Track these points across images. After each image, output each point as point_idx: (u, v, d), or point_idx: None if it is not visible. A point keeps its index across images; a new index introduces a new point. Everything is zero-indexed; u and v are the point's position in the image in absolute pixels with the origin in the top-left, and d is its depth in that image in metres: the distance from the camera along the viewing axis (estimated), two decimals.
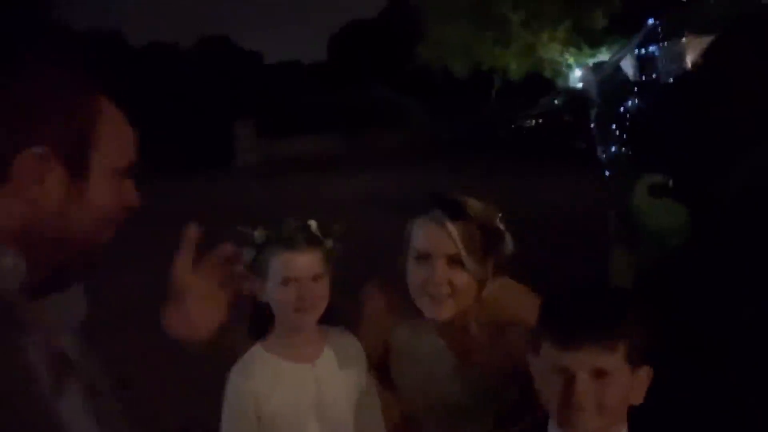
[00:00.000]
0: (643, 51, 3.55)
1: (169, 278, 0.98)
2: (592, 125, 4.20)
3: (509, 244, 1.28)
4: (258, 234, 1.36)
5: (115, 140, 0.74)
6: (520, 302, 1.29)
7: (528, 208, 5.78)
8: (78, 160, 0.72)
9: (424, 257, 1.25)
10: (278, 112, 19.54)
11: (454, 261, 1.23)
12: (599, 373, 0.97)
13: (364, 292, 1.43)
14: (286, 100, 20.76)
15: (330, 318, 1.41)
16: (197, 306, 0.98)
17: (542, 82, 16.34)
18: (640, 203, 3.77)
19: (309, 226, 1.37)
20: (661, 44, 3.45)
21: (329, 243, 1.37)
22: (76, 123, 0.71)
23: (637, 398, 1.02)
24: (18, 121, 0.67)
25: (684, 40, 3.36)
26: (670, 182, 3.65)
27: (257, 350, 1.39)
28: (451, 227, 1.22)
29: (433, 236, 1.25)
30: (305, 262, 1.33)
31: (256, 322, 1.39)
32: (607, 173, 4.01)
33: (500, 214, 1.29)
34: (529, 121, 13.58)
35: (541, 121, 13.22)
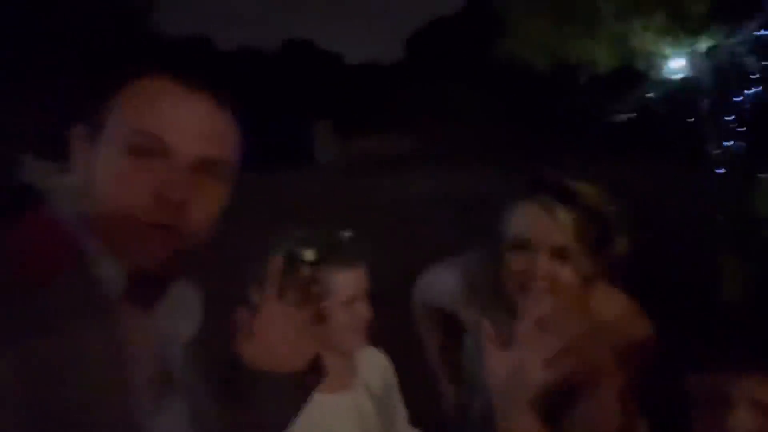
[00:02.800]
0: (764, 33, 3.10)
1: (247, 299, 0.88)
2: (703, 118, 3.78)
3: (623, 241, 1.09)
4: (308, 253, 1.23)
5: (139, 110, 0.71)
6: (641, 332, 1.10)
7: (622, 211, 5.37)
8: (94, 123, 0.71)
9: (525, 246, 1.09)
10: (357, 111, 19.81)
11: (560, 254, 1.07)
12: (763, 407, 0.83)
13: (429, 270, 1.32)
14: (365, 99, 21.01)
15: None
16: (288, 336, 0.83)
17: (634, 75, 15.36)
18: (761, 204, 3.34)
19: (350, 237, 1.25)
20: None
21: (368, 251, 1.26)
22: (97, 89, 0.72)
23: None
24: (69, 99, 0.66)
25: None
26: None
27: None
28: (561, 214, 1.05)
29: (539, 223, 1.08)
30: (362, 276, 1.23)
31: None
32: (719, 171, 3.59)
33: (615, 207, 1.08)
34: (620, 117, 12.81)
35: (633, 115, 12.43)
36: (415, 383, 1.43)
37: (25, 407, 0.59)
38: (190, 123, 0.70)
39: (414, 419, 1.42)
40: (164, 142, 0.69)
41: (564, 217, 1.06)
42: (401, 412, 1.40)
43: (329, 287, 1.22)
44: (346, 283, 1.23)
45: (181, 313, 0.74)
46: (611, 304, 1.15)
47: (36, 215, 0.69)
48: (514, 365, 0.96)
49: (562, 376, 0.98)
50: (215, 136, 0.73)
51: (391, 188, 10.31)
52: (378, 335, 1.35)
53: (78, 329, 0.64)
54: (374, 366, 1.38)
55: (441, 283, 1.35)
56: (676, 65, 15.19)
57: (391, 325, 1.43)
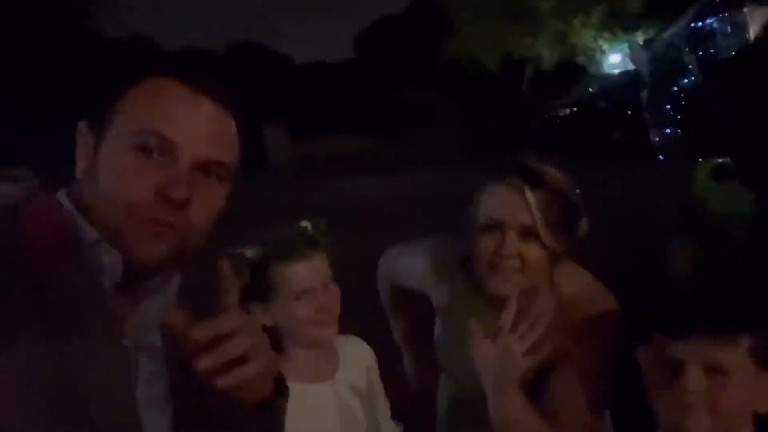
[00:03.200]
0: (699, 24, 3.30)
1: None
2: (644, 107, 3.97)
3: (585, 223, 1.16)
4: (252, 252, 1.21)
5: (143, 108, 0.73)
6: (603, 305, 1.16)
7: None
8: (99, 119, 0.73)
9: (495, 226, 1.13)
10: (310, 112, 19.65)
11: (528, 233, 1.11)
12: (715, 370, 0.85)
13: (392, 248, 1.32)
14: (318, 100, 20.87)
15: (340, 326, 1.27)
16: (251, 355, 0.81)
17: (576, 70, 15.91)
18: (702, 189, 3.53)
19: (306, 229, 1.23)
20: (719, 16, 3.20)
21: (329, 241, 1.24)
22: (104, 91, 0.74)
23: (765, 406, 0.89)
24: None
25: (746, 10, 3.11)
26: (731, 164, 3.41)
27: None
28: (530, 195, 1.10)
29: (508, 203, 1.12)
30: (315, 268, 1.19)
31: None
32: (660, 158, 3.78)
33: (578, 190, 1.14)
34: (563, 111, 13.23)
35: (575, 109, 12.86)
36: (395, 375, 1.42)
37: (36, 394, 0.61)
38: (196, 124, 0.73)
39: (395, 413, 1.40)
40: (171, 142, 0.70)
41: (532, 197, 1.11)
42: (383, 405, 1.36)
43: (280, 282, 1.20)
44: (298, 275, 1.21)
45: (160, 304, 0.75)
46: (575, 280, 1.20)
47: (39, 203, 0.72)
48: (501, 353, 1.04)
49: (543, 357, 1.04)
50: (219, 138, 0.75)
51: (347, 189, 10.30)
52: (361, 326, 1.35)
53: (80, 317, 0.66)
54: (356, 357, 1.34)
55: (410, 263, 1.35)
56: (615, 60, 15.93)
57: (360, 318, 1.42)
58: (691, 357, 0.86)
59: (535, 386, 1.11)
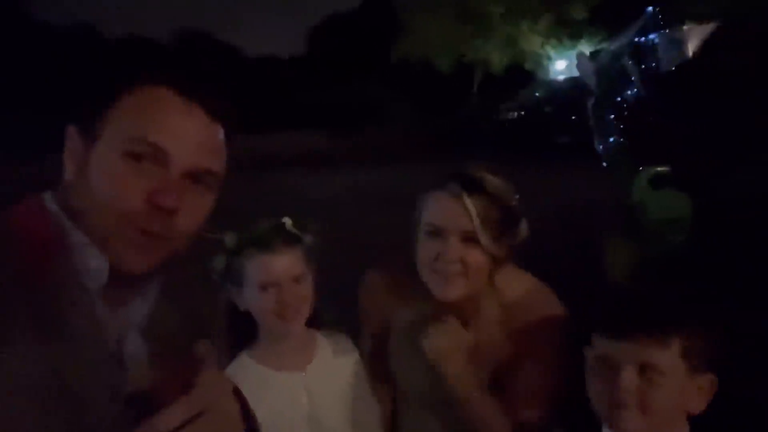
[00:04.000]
0: (642, 39, 3.48)
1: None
2: (590, 115, 4.13)
3: (524, 227, 1.20)
4: (229, 238, 1.24)
5: (135, 116, 0.73)
6: (548, 308, 1.21)
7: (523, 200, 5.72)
8: (90, 126, 0.72)
9: (437, 232, 1.17)
10: (260, 107, 19.29)
11: (469, 238, 1.15)
12: (647, 369, 0.89)
13: (366, 274, 1.34)
14: (268, 95, 20.51)
15: (319, 320, 1.32)
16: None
17: (525, 75, 16.35)
18: (642, 194, 3.71)
19: (284, 225, 1.26)
20: (661, 32, 3.37)
21: (308, 240, 1.27)
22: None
23: (696, 406, 0.93)
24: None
25: (685, 27, 3.30)
26: (669, 172, 3.61)
27: (242, 360, 1.28)
28: (469, 202, 1.14)
29: (449, 210, 1.16)
30: (284, 263, 1.22)
31: (238, 331, 1.29)
32: (604, 165, 3.95)
33: (517, 195, 1.19)
34: (510, 114, 13.58)
35: (522, 113, 13.23)
36: None
37: (24, 393, 0.61)
38: (188, 133, 0.73)
39: None
40: (162, 151, 0.70)
41: (471, 204, 1.15)
42: (371, 405, 1.35)
43: (250, 271, 1.22)
44: (266, 268, 1.23)
45: (137, 309, 0.76)
46: (518, 284, 1.25)
47: (25, 205, 0.72)
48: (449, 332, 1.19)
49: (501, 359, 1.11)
50: (209, 146, 0.75)
51: (297, 186, 10.19)
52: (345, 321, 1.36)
53: (66, 319, 0.66)
54: (335, 349, 1.35)
55: (373, 290, 1.38)
56: (561, 66, 16.47)
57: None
58: (625, 356, 0.90)
59: (499, 385, 1.16)
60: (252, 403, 1.19)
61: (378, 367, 1.32)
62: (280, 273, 1.23)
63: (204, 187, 0.75)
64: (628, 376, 0.89)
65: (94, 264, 0.69)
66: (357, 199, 8.37)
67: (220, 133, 0.77)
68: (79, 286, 0.69)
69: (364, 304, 1.34)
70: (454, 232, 1.15)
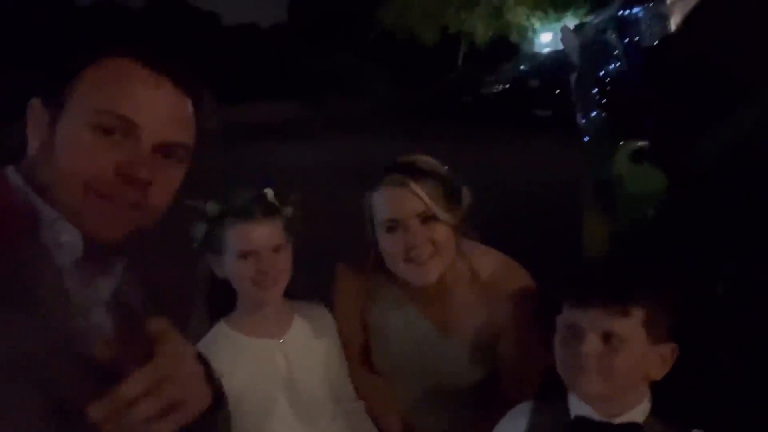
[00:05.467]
0: (626, 12, 3.45)
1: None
2: (572, 89, 4.12)
3: (467, 194, 1.27)
4: (210, 206, 1.27)
5: (102, 87, 0.72)
6: (521, 281, 1.26)
7: (496, 175, 5.77)
8: (55, 97, 0.70)
9: (396, 225, 1.22)
10: (239, 76, 18.92)
11: (427, 218, 1.21)
12: (609, 337, 0.94)
13: (335, 273, 1.38)
14: (247, 64, 20.12)
15: (297, 291, 1.34)
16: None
17: (510, 48, 16.25)
18: (621, 169, 3.74)
19: (265, 195, 1.29)
20: (644, 6, 3.35)
21: (288, 211, 1.31)
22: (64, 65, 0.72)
23: (657, 373, 0.98)
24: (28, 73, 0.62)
25: (668, 2, 3.27)
26: (648, 147, 3.64)
27: (220, 327, 1.33)
28: (414, 185, 1.20)
29: (399, 200, 1.22)
30: (263, 233, 1.27)
31: (216, 298, 1.32)
32: (586, 139, 3.96)
33: (446, 167, 1.27)
34: (495, 88, 13.53)
35: (507, 86, 13.19)
36: None
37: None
38: (158, 107, 0.73)
39: None
40: (133, 124, 0.70)
41: (417, 186, 1.20)
42: (348, 381, 1.37)
43: (230, 239, 1.25)
44: (245, 236, 1.25)
45: (104, 282, 0.76)
46: (488, 262, 1.30)
47: None
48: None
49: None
50: (180, 120, 0.76)
51: (274, 156, 10.10)
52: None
53: (33, 296, 0.65)
54: (312, 318, 1.38)
55: (345, 285, 1.41)
56: (546, 39, 16.39)
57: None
58: (589, 324, 0.95)
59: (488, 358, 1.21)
60: (229, 370, 1.23)
61: (365, 363, 1.35)
62: (259, 242, 1.24)
63: (175, 160, 0.75)
64: (590, 343, 0.94)
65: (67, 238, 0.69)
66: (330, 170, 8.35)
67: (189, 106, 0.77)
68: (47, 263, 0.67)
69: (338, 300, 1.36)
70: (412, 218, 1.21)
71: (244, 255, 1.24)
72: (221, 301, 1.33)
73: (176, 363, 0.63)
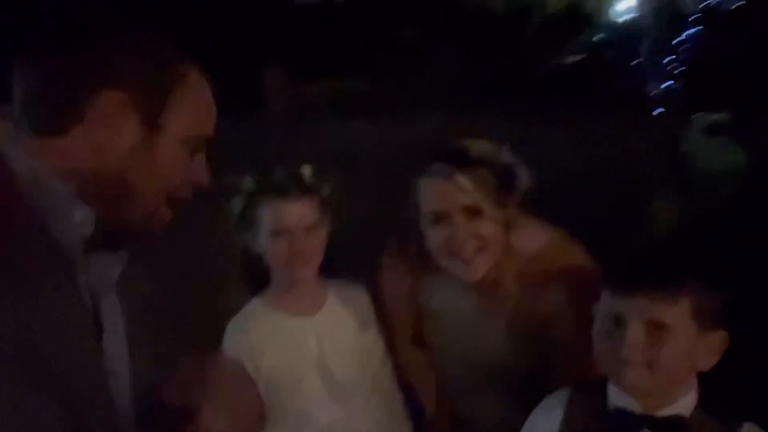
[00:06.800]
0: None
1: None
2: (645, 59, 3.94)
3: (524, 176, 1.19)
4: (246, 182, 1.30)
5: (193, 108, 0.76)
6: (572, 258, 1.21)
7: (566, 151, 5.58)
8: (153, 116, 0.75)
9: (441, 217, 1.17)
10: (310, 54, 19.11)
11: (473, 212, 1.14)
12: (655, 326, 0.91)
13: (384, 256, 1.37)
14: (318, 41, 20.27)
15: (333, 271, 1.37)
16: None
17: (583, 18, 15.40)
18: (695, 142, 3.54)
19: (301, 173, 1.30)
20: None
21: (325, 190, 1.30)
22: (157, 77, 0.75)
23: (706, 364, 0.96)
24: (100, 61, 0.70)
25: None
26: (728, 119, 3.41)
27: (254, 304, 1.37)
28: (460, 177, 1.13)
29: (444, 192, 1.16)
30: (297, 211, 1.28)
31: (251, 275, 1.35)
32: (658, 111, 3.77)
33: (505, 147, 1.19)
34: (568, 59, 12.93)
35: (580, 58, 12.57)
36: None
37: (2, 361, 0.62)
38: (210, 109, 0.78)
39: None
40: (206, 138, 0.77)
41: (464, 179, 1.14)
42: (383, 362, 1.40)
43: (264, 217, 1.28)
44: (280, 214, 1.27)
45: (106, 264, 0.80)
46: (534, 238, 1.24)
47: None
48: None
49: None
50: (210, 114, 0.81)
51: (346, 133, 10.18)
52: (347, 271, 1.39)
53: (42, 283, 0.67)
54: (347, 297, 1.40)
55: (394, 270, 1.38)
56: (622, 7, 15.37)
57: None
58: (633, 313, 0.92)
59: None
60: (262, 347, 1.27)
61: (417, 340, 1.33)
62: (292, 221, 1.28)
63: (199, 151, 0.80)
64: (635, 333, 0.91)
65: (79, 215, 0.71)
66: (395, 148, 8.35)
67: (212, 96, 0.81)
68: (53, 247, 0.68)
69: (387, 281, 1.35)
70: (456, 212, 1.15)
71: (276, 233, 1.29)
72: (257, 277, 1.37)
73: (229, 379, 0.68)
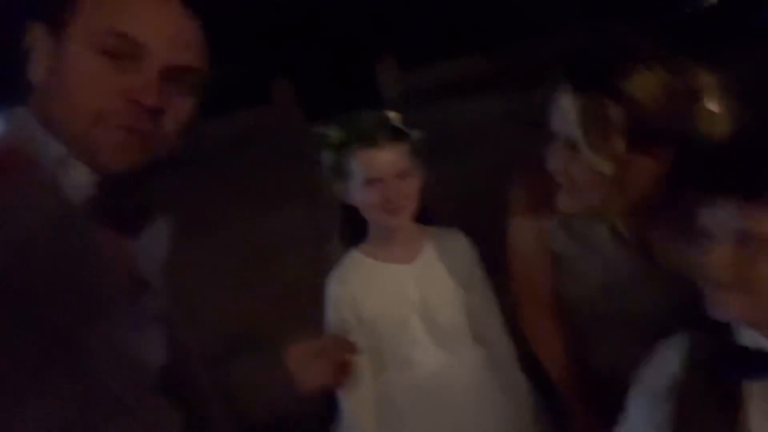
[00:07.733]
0: None
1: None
2: None
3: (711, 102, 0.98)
4: (334, 132, 1.28)
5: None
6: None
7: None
8: (53, 11, 0.67)
9: (562, 140, 1.03)
10: (419, 39, 19.21)
11: (570, 146, 1.01)
12: (748, 239, 0.73)
13: (514, 177, 1.24)
14: (421, 27, 20.30)
15: (430, 218, 1.33)
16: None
17: None
18: None
19: (389, 119, 1.25)
20: None
21: (414, 135, 1.25)
22: None
23: None
24: None
25: None
26: None
27: (353, 255, 1.36)
28: (571, 102, 0.98)
29: (560, 113, 1.02)
30: (388, 158, 1.25)
31: (347, 226, 1.34)
32: None
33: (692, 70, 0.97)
34: (703, 3, 11.53)
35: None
36: None
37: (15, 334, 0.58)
38: (165, 27, 0.69)
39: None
40: (140, 45, 0.67)
41: (570, 106, 0.98)
42: (491, 310, 1.34)
43: (356, 166, 1.26)
44: (372, 162, 1.25)
45: (156, 241, 0.74)
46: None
47: None
48: None
49: None
50: (188, 43, 0.71)
51: (461, 112, 10.06)
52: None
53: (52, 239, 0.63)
54: (446, 243, 1.37)
55: (525, 192, 1.29)
56: None
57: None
58: (721, 225, 0.75)
59: None
60: (363, 295, 1.26)
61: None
62: (384, 168, 1.25)
63: (185, 87, 0.71)
64: (722, 249, 0.75)
65: (77, 175, 0.66)
66: (517, 120, 8.00)
67: (198, 30, 0.72)
68: (61, 209, 0.64)
69: (517, 236, 1.23)
70: (561, 137, 1.02)
71: (369, 182, 1.25)
72: (355, 229, 1.36)
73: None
